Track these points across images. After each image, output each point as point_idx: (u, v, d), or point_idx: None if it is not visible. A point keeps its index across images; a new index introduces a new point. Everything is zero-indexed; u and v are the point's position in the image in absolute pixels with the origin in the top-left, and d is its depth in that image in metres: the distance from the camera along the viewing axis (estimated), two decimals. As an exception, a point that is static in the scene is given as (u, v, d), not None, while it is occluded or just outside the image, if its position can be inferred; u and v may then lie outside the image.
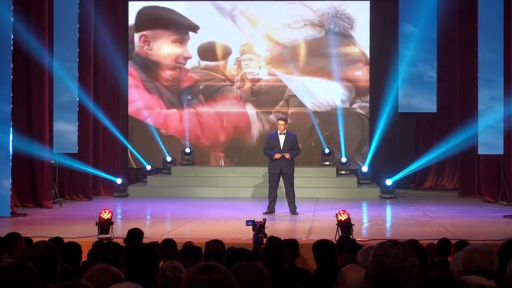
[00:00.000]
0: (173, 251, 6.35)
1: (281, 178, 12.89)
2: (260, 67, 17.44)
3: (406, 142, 17.17)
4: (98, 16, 15.72)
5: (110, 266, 3.91)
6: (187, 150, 17.12)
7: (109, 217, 9.73)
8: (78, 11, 14.47)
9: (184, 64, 17.58)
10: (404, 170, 16.26)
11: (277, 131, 12.96)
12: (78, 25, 14.46)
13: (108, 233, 9.60)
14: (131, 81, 17.52)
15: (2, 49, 12.61)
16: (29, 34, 13.68)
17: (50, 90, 14.08)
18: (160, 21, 17.63)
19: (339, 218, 9.41)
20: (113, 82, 16.49)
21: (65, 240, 6.93)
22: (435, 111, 15.50)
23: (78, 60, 14.45)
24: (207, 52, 17.54)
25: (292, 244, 6.66)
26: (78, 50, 14.48)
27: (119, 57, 16.55)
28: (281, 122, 12.94)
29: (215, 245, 5.91)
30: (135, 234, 7.27)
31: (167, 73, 17.59)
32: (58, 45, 14.09)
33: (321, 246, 6.06)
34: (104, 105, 16.13)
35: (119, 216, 12.66)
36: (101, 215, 9.74)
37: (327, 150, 16.88)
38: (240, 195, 15.47)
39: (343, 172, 16.56)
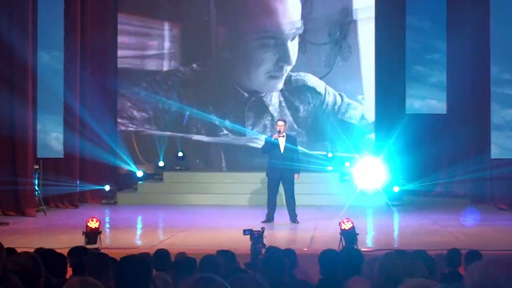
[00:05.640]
0: (165, 263, 6.35)
1: (281, 184, 12.90)
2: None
3: (414, 145, 17.16)
4: (85, 17, 15.77)
5: (90, 278, 3.91)
6: (180, 154, 17.12)
7: (97, 226, 9.74)
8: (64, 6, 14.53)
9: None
10: (412, 176, 16.27)
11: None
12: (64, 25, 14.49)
13: (96, 243, 9.60)
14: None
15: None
16: (11, 33, 13.71)
17: (34, 90, 14.08)
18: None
19: (342, 227, 9.42)
20: (101, 82, 16.52)
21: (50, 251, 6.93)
22: (445, 113, 15.53)
23: (64, 60, 14.47)
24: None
25: (289, 254, 6.67)
26: (64, 48, 14.50)
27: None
28: (280, 123, 12.94)
29: (211, 257, 5.92)
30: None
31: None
32: (42, 43, 14.10)
33: (327, 257, 6.08)
34: (92, 107, 16.12)
35: (107, 225, 12.67)
36: (88, 224, 9.75)
37: (330, 155, 16.88)
38: (237, 202, 15.48)
39: (346, 177, 16.55)
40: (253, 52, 17.41)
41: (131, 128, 17.48)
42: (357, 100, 17.27)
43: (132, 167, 17.08)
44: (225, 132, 17.53)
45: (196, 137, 17.48)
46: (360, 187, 15.57)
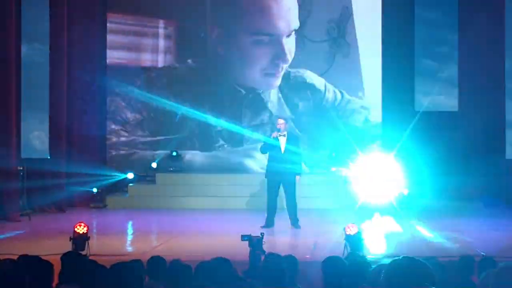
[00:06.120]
0: (161, 271, 6.35)
1: (281, 187, 12.90)
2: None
3: (424, 144, 17.16)
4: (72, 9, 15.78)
5: (77, 287, 3.92)
6: (174, 153, 17.11)
7: (85, 232, 9.74)
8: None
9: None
10: (422, 178, 16.26)
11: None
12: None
13: (84, 249, 9.61)
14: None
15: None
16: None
17: (18, 86, 14.06)
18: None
19: (347, 232, 9.43)
20: (90, 80, 16.52)
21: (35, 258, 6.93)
22: (457, 110, 15.52)
23: (49, 52, 14.47)
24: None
25: (290, 262, 6.67)
26: (49, 44, 14.49)
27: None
28: (280, 120, 12.92)
29: (207, 264, 5.92)
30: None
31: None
32: (27, 37, 14.10)
33: (331, 264, 6.08)
34: (80, 103, 16.11)
35: (96, 231, 12.66)
36: (76, 229, 9.75)
37: (334, 154, 16.87)
38: (235, 206, 15.48)
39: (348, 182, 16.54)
40: (247, 49, 17.46)
41: (123, 151, 17.49)
42: (358, 97, 17.30)
43: (121, 175, 17.01)
44: (221, 142, 17.55)
45: (189, 154, 17.50)
46: (363, 198, 14.64)
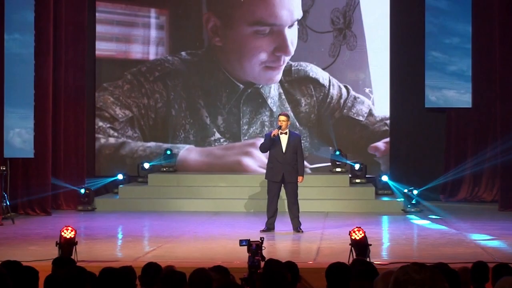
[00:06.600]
0: (155, 278, 6.35)
1: (282, 188, 12.91)
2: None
3: (435, 144, 17.20)
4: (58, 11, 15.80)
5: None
6: (168, 152, 17.13)
7: (72, 236, 9.75)
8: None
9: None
10: (433, 179, 16.29)
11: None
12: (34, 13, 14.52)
13: (71, 255, 9.61)
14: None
15: None
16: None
17: (1, 79, 14.07)
18: None
19: (353, 237, 9.45)
20: (78, 73, 16.52)
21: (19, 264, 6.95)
22: (470, 106, 15.52)
23: (34, 44, 14.47)
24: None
25: (291, 268, 6.69)
26: (34, 33, 14.50)
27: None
28: (282, 118, 12.90)
29: (202, 271, 5.93)
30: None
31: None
32: (10, 29, 14.12)
33: (336, 270, 6.09)
34: (67, 99, 16.11)
35: (84, 235, 12.67)
36: (63, 233, 9.75)
37: (337, 153, 16.89)
38: (233, 208, 15.50)
39: (358, 181, 16.57)
40: (246, 41, 17.47)
41: (112, 150, 17.56)
42: (365, 93, 17.33)
43: (110, 179, 17.02)
44: (218, 140, 17.61)
45: (184, 151, 17.54)
46: None
